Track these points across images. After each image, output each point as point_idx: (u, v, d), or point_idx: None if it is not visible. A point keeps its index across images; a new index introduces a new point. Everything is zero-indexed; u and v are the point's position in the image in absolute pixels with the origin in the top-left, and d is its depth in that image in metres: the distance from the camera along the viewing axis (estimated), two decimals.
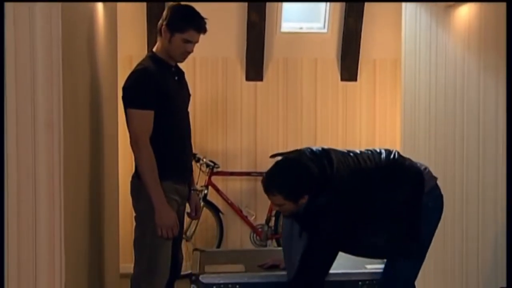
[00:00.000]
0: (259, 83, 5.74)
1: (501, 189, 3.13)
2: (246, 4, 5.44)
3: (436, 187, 2.85)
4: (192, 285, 2.83)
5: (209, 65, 5.68)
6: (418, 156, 4.30)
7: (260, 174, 5.63)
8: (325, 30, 5.75)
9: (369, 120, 5.90)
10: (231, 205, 5.54)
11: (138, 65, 3.00)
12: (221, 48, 5.65)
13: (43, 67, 2.06)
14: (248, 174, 5.63)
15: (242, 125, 5.75)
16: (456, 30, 3.76)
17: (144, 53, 5.48)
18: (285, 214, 2.85)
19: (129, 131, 2.86)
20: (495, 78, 3.24)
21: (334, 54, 5.80)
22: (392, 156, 2.83)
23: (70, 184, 2.32)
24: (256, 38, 5.55)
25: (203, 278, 2.84)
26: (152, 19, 5.34)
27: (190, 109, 5.71)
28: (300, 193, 2.67)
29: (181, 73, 3.18)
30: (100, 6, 3.38)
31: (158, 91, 2.87)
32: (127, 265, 3.91)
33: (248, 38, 5.55)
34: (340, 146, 5.83)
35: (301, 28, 5.79)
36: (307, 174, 2.70)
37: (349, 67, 5.81)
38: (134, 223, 3.02)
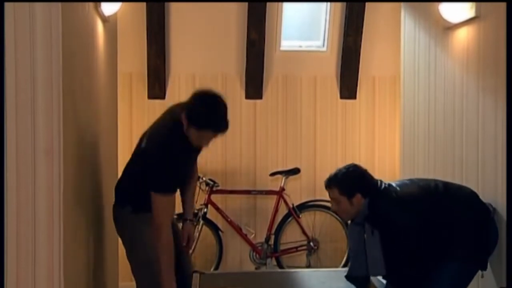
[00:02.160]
0: (258, 101, 5.75)
1: (501, 210, 3.12)
2: (245, 22, 5.46)
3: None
4: None
5: (209, 82, 5.68)
6: (417, 175, 4.31)
7: (259, 192, 5.63)
8: (324, 49, 5.77)
9: (368, 138, 5.91)
10: (230, 223, 5.53)
11: (165, 137, 2.92)
12: (220, 66, 5.67)
13: (43, 90, 2.06)
14: (247, 192, 5.62)
15: (241, 143, 5.75)
16: (455, 51, 3.77)
17: (143, 70, 5.54)
18: (346, 218, 3.26)
19: (153, 212, 2.84)
20: (494, 100, 3.25)
21: (334, 72, 5.82)
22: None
23: (70, 201, 2.31)
24: (255, 56, 5.56)
25: None
26: (152, 36, 5.37)
27: None
28: (353, 189, 3.04)
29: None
30: (100, 23, 3.39)
31: (180, 174, 2.94)
32: (126, 283, 3.89)
33: (247, 56, 5.57)
34: (339, 163, 5.79)
35: (300, 46, 5.81)
36: (362, 175, 3.13)
37: (348, 85, 5.82)
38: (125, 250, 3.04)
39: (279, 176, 5.58)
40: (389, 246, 2.98)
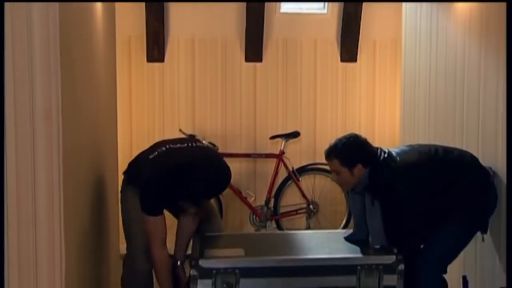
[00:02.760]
0: (258, 64, 5.71)
1: (501, 176, 3.13)
2: None
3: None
4: (192, 270, 2.83)
5: (208, 46, 5.64)
6: (417, 138, 4.31)
7: (259, 155, 5.63)
8: (325, 11, 5.71)
9: (369, 101, 5.88)
10: (230, 186, 5.52)
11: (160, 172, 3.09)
12: (220, 28, 5.61)
13: (40, 52, 2.04)
14: (247, 155, 5.62)
15: (241, 106, 5.73)
16: (457, 13, 3.73)
17: (142, 33, 5.49)
18: (346, 187, 3.26)
19: (146, 234, 3.07)
20: (496, 62, 3.22)
21: (334, 34, 5.76)
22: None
23: (69, 166, 2.31)
24: (255, 18, 5.50)
25: (203, 263, 2.84)
26: None
27: (188, 90, 5.71)
28: (354, 160, 3.01)
29: None
30: None
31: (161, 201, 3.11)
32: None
33: (247, 19, 5.51)
34: (339, 127, 5.86)
35: (300, 8, 5.75)
36: (363, 145, 3.10)
37: (349, 48, 5.77)
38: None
39: (279, 139, 5.57)
40: (390, 215, 2.99)
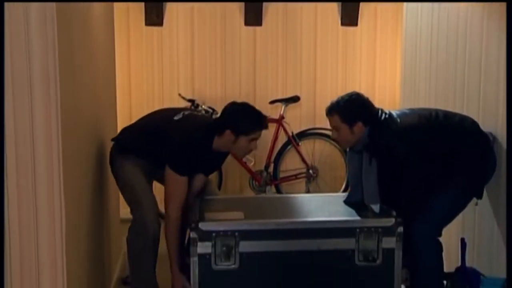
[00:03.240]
0: (258, 28, 5.66)
1: (501, 139, 3.12)
2: None
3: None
4: (192, 232, 2.84)
5: (207, 9, 5.58)
6: (418, 102, 4.29)
7: None
8: None
9: (369, 65, 5.84)
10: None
11: (197, 134, 3.14)
12: None
13: (36, 16, 2.01)
14: None
15: (241, 70, 5.69)
16: None
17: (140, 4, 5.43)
18: (345, 145, 3.24)
19: (165, 189, 3.12)
20: (498, 25, 3.18)
21: None
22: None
23: (69, 138, 2.30)
24: None
25: (203, 226, 2.85)
26: None
27: (188, 54, 5.67)
28: (354, 117, 3.00)
29: (221, 157, 3.37)
30: None
31: (194, 165, 3.13)
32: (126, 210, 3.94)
33: None
34: (340, 91, 5.77)
35: None
36: (364, 103, 3.09)
37: (349, 11, 5.71)
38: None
39: (278, 104, 5.56)
40: (387, 176, 2.99)
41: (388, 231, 2.92)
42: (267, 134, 5.64)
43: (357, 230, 2.91)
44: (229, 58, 5.67)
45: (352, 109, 3.04)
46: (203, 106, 5.33)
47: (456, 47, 3.71)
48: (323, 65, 5.77)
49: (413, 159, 2.96)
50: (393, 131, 3.01)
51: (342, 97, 3.09)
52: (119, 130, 4.62)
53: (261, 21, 5.64)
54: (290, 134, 5.53)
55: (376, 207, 3.06)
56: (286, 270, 2.91)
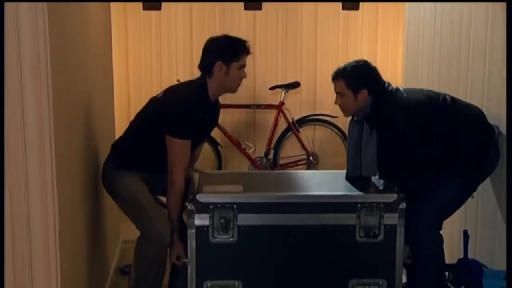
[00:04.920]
0: (257, 12, 5.57)
1: (503, 130, 3.06)
2: None
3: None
4: (189, 204, 2.80)
5: None
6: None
7: (258, 106, 5.56)
8: None
9: (371, 50, 5.75)
10: (229, 138, 5.49)
11: (188, 91, 3.06)
12: None
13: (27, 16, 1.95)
14: (246, 106, 5.55)
15: None
16: None
17: None
18: (347, 113, 3.11)
19: (168, 157, 2.99)
20: (503, 12, 3.11)
21: None
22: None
23: (62, 123, 2.24)
24: None
25: (200, 197, 2.80)
26: None
27: (186, 38, 5.59)
28: (360, 84, 2.97)
29: (216, 111, 3.28)
30: None
31: (195, 126, 3.02)
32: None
33: None
34: None
35: None
36: (372, 71, 3.05)
37: None
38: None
39: (278, 90, 5.49)
40: (387, 150, 2.95)
41: (390, 207, 2.86)
42: (267, 120, 5.59)
43: (358, 205, 2.85)
44: None
45: (358, 75, 3.00)
46: None
47: (460, 30, 3.63)
48: (324, 50, 5.69)
49: (413, 136, 2.91)
50: (397, 104, 2.96)
51: (350, 63, 3.05)
52: (116, 117, 4.57)
53: (261, 5, 5.56)
54: (290, 120, 5.47)
55: (376, 181, 3.02)
56: (285, 245, 2.86)
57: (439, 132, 2.96)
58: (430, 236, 2.98)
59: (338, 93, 3.05)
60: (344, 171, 3.23)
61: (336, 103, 3.11)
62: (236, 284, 2.85)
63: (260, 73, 5.63)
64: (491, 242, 3.19)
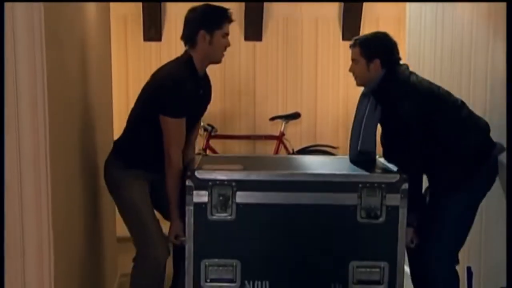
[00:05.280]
0: (258, 43, 5.59)
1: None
2: None
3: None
4: (187, 180, 2.74)
5: None
6: None
7: (259, 137, 5.54)
8: None
9: None
10: None
11: (174, 68, 2.99)
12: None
13: (23, 38, 1.93)
14: (246, 137, 5.54)
15: (240, 86, 5.62)
16: None
17: (138, 12, 5.36)
18: (359, 81, 3.10)
19: (163, 137, 2.92)
20: (504, 43, 3.10)
21: (336, 12, 5.64)
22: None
23: (58, 149, 2.21)
24: None
25: (199, 174, 2.74)
26: None
27: None
28: (373, 53, 2.98)
29: (207, 85, 3.21)
30: None
31: (188, 102, 2.95)
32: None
33: None
34: (341, 108, 5.75)
35: None
36: (390, 44, 3.06)
37: (351, 26, 5.66)
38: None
39: (279, 120, 5.48)
40: (387, 127, 2.96)
41: (392, 188, 2.78)
42: (268, 151, 5.56)
43: (360, 185, 2.77)
44: (229, 74, 5.60)
45: (374, 45, 3.02)
46: (201, 123, 5.24)
47: (461, 67, 3.62)
48: (324, 81, 5.70)
49: (414, 120, 2.86)
50: (408, 84, 2.94)
51: (370, 33, 3.11)
52: (115, 119, 4.54)
53: (261, 36, 5.58)
54: (291, 151, 5.45)
55: (381, 164, 2.99)
56: (284, 223, 2.79)
57: (440, 127, 2.92)
58: (445, 271, 2.90)
59: (353, 60, 3.08)
60: (346, 156, 3.18)
61: (350, 70, 3.13)
62: (234, 263, 2.79)
63: (260, 103, 5.63)
64: (496, 279, 3.13)
